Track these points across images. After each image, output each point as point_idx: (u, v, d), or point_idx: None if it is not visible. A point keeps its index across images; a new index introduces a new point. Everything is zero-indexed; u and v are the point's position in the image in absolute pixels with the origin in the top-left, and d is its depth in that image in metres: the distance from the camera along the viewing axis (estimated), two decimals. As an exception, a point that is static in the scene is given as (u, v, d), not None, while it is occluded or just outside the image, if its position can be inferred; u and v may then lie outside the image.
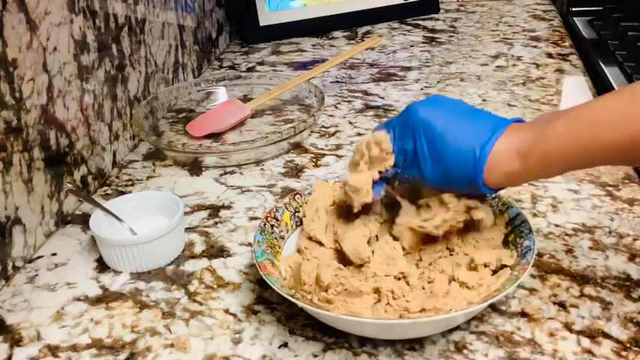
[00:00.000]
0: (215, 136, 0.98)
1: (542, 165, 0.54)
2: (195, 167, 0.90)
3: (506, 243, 0.62)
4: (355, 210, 0.62)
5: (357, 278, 0.59)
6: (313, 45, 1.39)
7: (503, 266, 0.59)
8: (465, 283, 0.59)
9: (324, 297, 0.57)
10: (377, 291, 0.57)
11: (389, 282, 0.58)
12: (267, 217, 0.66)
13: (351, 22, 1.48)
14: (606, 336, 0.56)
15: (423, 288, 0.59)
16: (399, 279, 0.59)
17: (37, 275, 0.69)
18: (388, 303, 0.56)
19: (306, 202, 0.68)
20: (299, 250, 0.65)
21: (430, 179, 0.58)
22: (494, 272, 0.60)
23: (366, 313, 0.56)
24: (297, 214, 0.68)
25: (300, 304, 0.55)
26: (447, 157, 0.56)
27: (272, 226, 0.65)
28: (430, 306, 0.56)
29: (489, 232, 0.62)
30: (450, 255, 0.62)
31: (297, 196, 0.69)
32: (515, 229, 0.62)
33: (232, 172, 0.88)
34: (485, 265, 0.59)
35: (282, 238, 0.66)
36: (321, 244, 0.65)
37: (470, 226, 0.62)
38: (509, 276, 0.57)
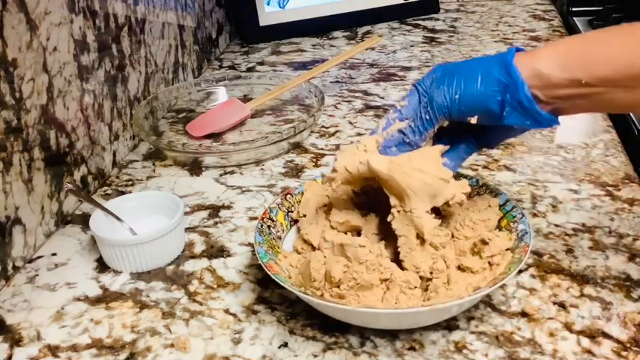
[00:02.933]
0: (215, 136, 0.98)
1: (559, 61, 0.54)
2: (195, 167, 0.90)
3: (499, 229, 0.63)
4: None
5: (367, 272, 0.59)
6: (313, 45, 1.39)
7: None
8: (469, 268, 0.59)
9: (337, 293, 0.57)
10: (384, 281, 0.58)
11: (396, 272, 0.58)
12: (262, 219, 0.66)
13: (351, 22, 1.48)
14: (606, 336, 0.56)
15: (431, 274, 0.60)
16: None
17: (37, 275, 0.69)
18: (402, 292, 0.57)
19: (298, 202, 0.68)
20: (297, 251, 0.66)
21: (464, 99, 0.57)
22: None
23: (378, 305, 0.57)
24: (290, 213, 0.68)
25: (316, 300, 0.55)
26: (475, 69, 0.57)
27: (269, 227, 0.65)
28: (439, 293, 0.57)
29: (485, 214, 0.64)
30: (452, 239, 0.63)
31: (289, 195, 0.69)
32: (507, 214, 0.64)
33: (232, 172, 0.88)
34: (485, 242, 0.60)
35: (279, 238, 0.66)
36: (314, 247, 0.65)
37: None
38: (512, 259, 0.58)
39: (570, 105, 0.56)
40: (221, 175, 0.88)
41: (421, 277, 0.59)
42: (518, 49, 0.58)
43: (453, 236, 0.63)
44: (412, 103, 0.60)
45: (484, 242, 0.60)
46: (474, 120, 0.57)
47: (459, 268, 0.60)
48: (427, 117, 0.59)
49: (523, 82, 0.54)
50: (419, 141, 0.60)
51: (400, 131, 0.60)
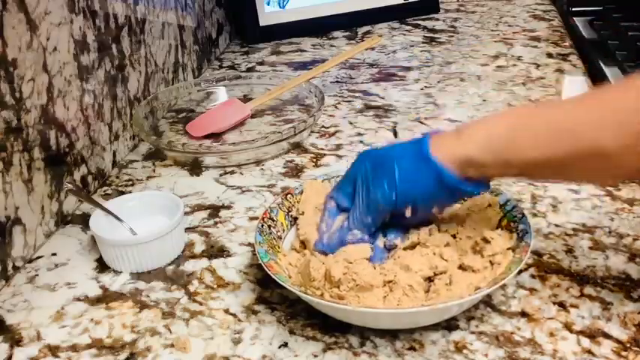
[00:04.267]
0: (215, 136, 0.98)
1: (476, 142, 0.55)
2: (195, 167, 0.90)
3: (500, 229, 0.63)
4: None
5: (369, 274, 0.59)
6: (313, 45, 1.39)
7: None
8: (470, 267, 0.59)
9: (337, 293, 0.57)
10: (386, 284, 0.58)
11: (400, 274, 0.58)
12: (263, 218, 0.66)
13: (351, 22, 1.48)
14: (606, 336, 0.56)
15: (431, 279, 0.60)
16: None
17: (37, 275, 0.69)
18: (405, 294, 0.57)
19: (298, 202, 0.69)
20: (296, 250, 0.66)
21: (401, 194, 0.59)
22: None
23: (378, 305, 0.57)
24: (290, 213, 0.68)
25: (316, 300, 0.56)
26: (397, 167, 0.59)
27: (269, 226, 0.65)
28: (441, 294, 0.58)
29: (486, 213, 0.64)
30: (453, 238, 0.63)
31: (289, 195, 0.69)
32: (508, 214, 0.64)
33: (232, 172, 0.88)
34: (487, 241, 0.61)
35: (280, 237, 0.66)
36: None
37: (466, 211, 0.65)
38: (513, 258, 0.58)
39: (505, 176, 0.59)
40: (221, 175, 0.88)
41: (424, 279, 0.59)
42: (433, 133, 0.60)
43: (454, 236, 0.63)
44: (345, 200, 0.64)
45: (486, 241, 0.61)
46: (408, 212, 0.61)
47: (461, 267, 0.60)
48: (369, 218, 0.61)
49: (450, 175, 0.56)
50: (364, 235, 0.62)
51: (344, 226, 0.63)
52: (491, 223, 0.63)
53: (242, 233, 0.75)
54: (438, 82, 1.14)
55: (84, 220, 0.77)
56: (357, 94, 1.11)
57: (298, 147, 0.94)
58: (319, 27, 1.45)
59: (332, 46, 1.38)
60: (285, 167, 0.89)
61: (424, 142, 0.58)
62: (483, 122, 0.58)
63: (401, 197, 0.59)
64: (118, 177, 0.89)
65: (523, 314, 0.59)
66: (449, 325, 0.59)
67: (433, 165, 0.57)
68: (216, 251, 0.72)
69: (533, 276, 0.64)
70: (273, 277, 0.57)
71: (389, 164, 0.59)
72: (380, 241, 0.63)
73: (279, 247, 0.64)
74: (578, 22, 1.51)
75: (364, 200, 0.61)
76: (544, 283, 0.63)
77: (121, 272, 0.69)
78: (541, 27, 1.41)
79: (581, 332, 0.57)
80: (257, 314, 0.62)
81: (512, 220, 0.63)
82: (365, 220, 0.61)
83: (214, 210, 0.80)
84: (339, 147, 0.93)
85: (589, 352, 0.55)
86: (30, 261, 0.72)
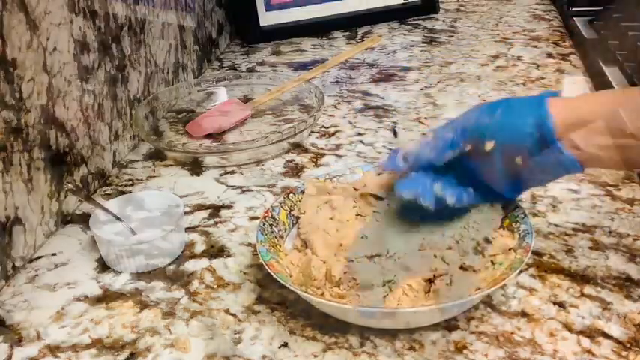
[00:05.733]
0: (215, 136, 0.98)
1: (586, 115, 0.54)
2: (195, 167, 0.90)
3: (502, 229, 0.63)
4: None
5: (370, 272, 0.59)
6: (313, 45, 1.39)
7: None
8: (471, 267, 0.59)
9: (337, 292, 0.57)
10: (386, 284, 0.58)
11: (400, 274, 0.58)
12: (265, 217, 0.66)
13: (351, 23, 1.48)
14: (606, 336, 0.56)
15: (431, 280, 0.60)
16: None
17: (37, 275, 0.69)
18: (405, 293, 0.57)
19: (300, 201, 0.69)
20: (297, 249, 0.66)
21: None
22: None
23: (378, 305, 0.57)
24: (292, 212, 0.68)
25: (316, 299, 0.56)
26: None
27: (271, 225, 0.65)
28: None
29: (488, 214, 0.64)
30: (457, 242, 0.63)
31: (291, 194, 0.70)
32: (510, 215, 0.64)
33: (232, 172, 0.88)
34: (489, 241, 0.61)
35: (282, 237, 0.66)
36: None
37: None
38: (514, 258, 0.58)
39: (605, 156, 0.55)
40: (221, 175, 0.88)
41: (425, 280, 0.59)
42: (552, 94, 0.58)
43: (457, 241, 0.63)
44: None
45: (488, 241, 0.61)
46: (489, 146, 0.58)
47: (462, 267, 0.60)
48: (450, 133, 0.59)
49: (549, 124, 0.55)
50: (435, 161, 0.61)
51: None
52: (494, 224, 0.63)
53: (242, 233, 0.75)
54: (438, 82, 1.14)
55: (84, 220, 0.77)
56: (357, 94, 1.11)
57: (298, 147, 0.94)
58: (319, 27, 1.45)
59: (332, 46, 1.38)
60: (285, 167, 0.89)
61: (542, 94, 0.57)
62: (594, 98, 0.59)
63: (492, 126, 0.57)
64: (118, 177, 0.89)
65: (523, 314, 0.59)
66: (449, 325, 0.59)
67: (543, 109, 0.55)
68: (217, 251, 0.72)
69: (533, 276, 0.64)
70: (274, 275, 0.57)
71: (496, 103, 0.59)
72: (437, 189, 0.61)
73: (280, 246, 0.64)
74: (578, 22, 1.51)
75: (454, 120, 0.60)
76: (544, 283, 0.63)
77: (121, 272, 0.69)
78: (541, 27, 1.41)
79: (581, 332, 0.57)
80: (257, 314, 0.62)
81: (514, 220, 0.63)
82: (445, 133, 0.60)
83: (214, 210, 0.80)
84: (339, 147, 0.93)
85: (589, 352, 0.55)
86: (30, 261, 0.72)
